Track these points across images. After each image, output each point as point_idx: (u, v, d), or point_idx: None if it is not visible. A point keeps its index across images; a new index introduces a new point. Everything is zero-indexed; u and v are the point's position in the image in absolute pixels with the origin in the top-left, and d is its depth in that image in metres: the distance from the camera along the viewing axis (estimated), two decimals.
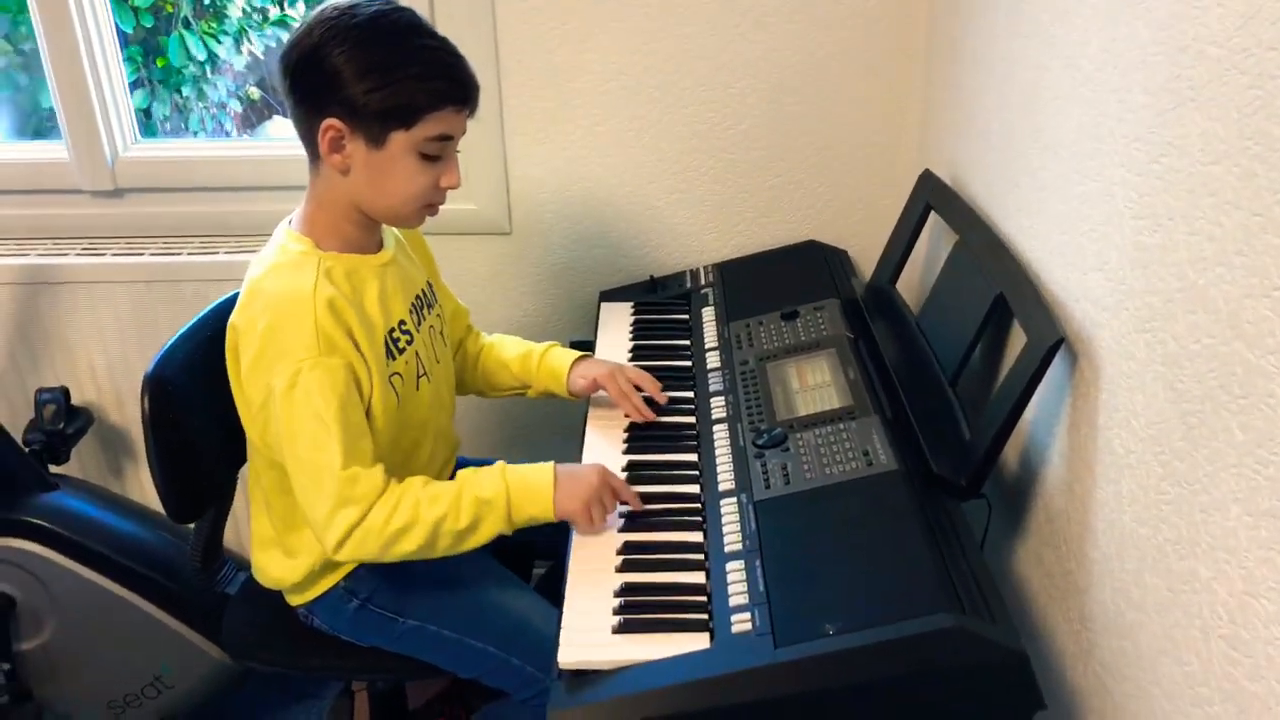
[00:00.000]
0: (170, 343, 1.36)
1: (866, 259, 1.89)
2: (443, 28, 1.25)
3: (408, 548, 1.21)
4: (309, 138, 1.21)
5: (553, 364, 1.50)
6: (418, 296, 1.38)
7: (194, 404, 1.34)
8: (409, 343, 1.33)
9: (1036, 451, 1.24)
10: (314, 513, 1.20)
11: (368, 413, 1.23)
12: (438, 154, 1.22)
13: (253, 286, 1.24)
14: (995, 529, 1.31)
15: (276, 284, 1.22)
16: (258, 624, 1.45)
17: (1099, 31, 1.06)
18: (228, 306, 1.40)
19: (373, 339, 1.24)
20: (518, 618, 1.35)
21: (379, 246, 1.33)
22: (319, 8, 1.19)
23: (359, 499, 1.18)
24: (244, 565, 1.50)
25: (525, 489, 1.23)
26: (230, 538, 1.78)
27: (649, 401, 1.46)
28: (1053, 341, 1.09)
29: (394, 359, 1.29)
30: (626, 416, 1.45)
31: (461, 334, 1.57)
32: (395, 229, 1.39)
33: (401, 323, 1.32)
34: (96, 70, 1.83)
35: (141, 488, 2.04)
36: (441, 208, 1.30)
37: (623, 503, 1.26)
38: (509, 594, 1.38)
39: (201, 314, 1.43)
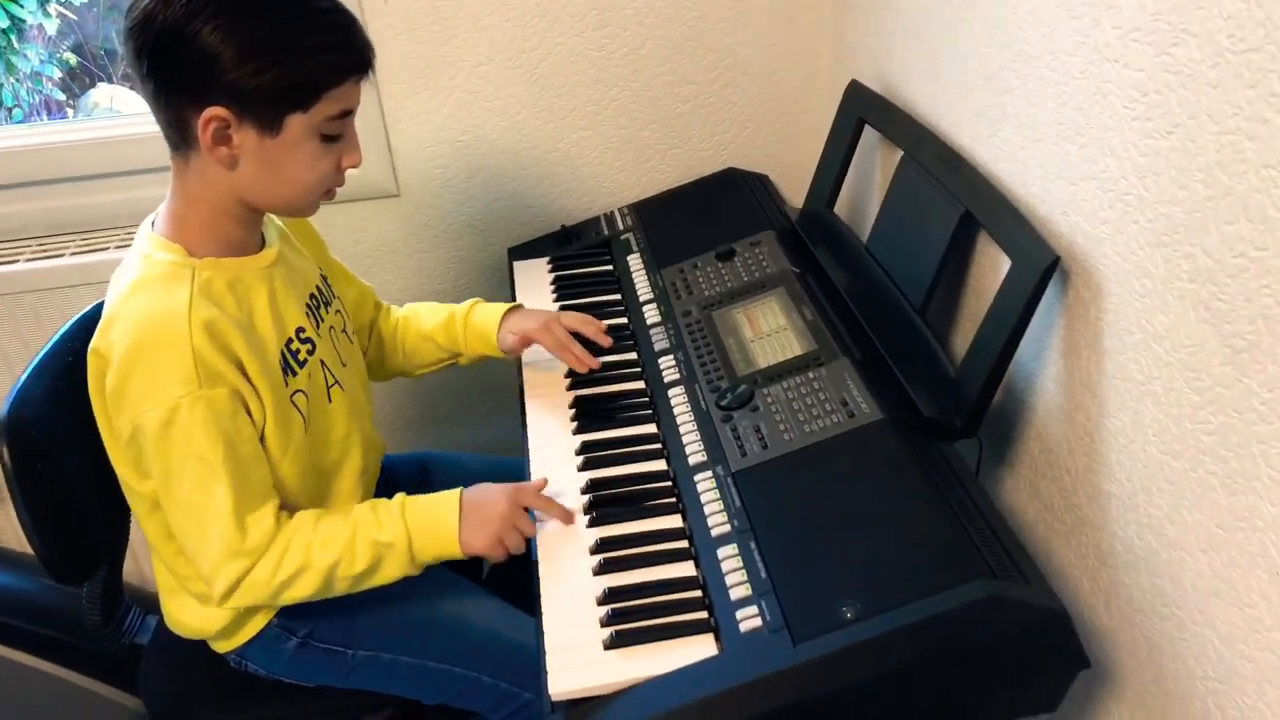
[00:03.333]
0: (25, 375, 1.15)
1: (789, 182, 1.77)
2: None
3: (300, 593, 1.07)
4: (179, 127, 1.01)
5: (479, 325, 1.34)
6: (312, 295, 1.19)
7: (64, 446, 1.14)
8: (310, 352, 1.14)
9: (1023, 378, 1.15)
10: (199, 558, 1.05)
11: (261, 441, 1.07)
12: (338, 132, 1.05)
13: (116, 306, 1.04)
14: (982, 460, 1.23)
15: (143, 303, 1.02)
16: (181, 676, 1.27)
17: None
18: (89, 325, 1.19)
19: (265, 361, 1.06)
20: (482, 630, 1.21)
21: (262, 243, 1.14)
22: None
23: (248, 551, 1.04)
24: (151, 606, 1.31)
25: (426, 529, 1.09)
26: (130, 570, 1.59)
27: (591, 348, 1.34)
28: (1047, 262, 0.99)
29: (294, 375, 1.11)
30: (568, 372, 1.32)
31: (370, 315, 1.39)
32: (276, 217, 1.20)
33: (300, 330, 1.14)
34: None
35: (14, 529, 1.80)
36: None
37: (551, 517, 1.12)
38: (467, 604, 1.24)
39: (57, 335, 1.21)
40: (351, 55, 1.03)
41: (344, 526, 1.08)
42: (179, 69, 0.98)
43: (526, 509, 1.12)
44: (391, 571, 1.09)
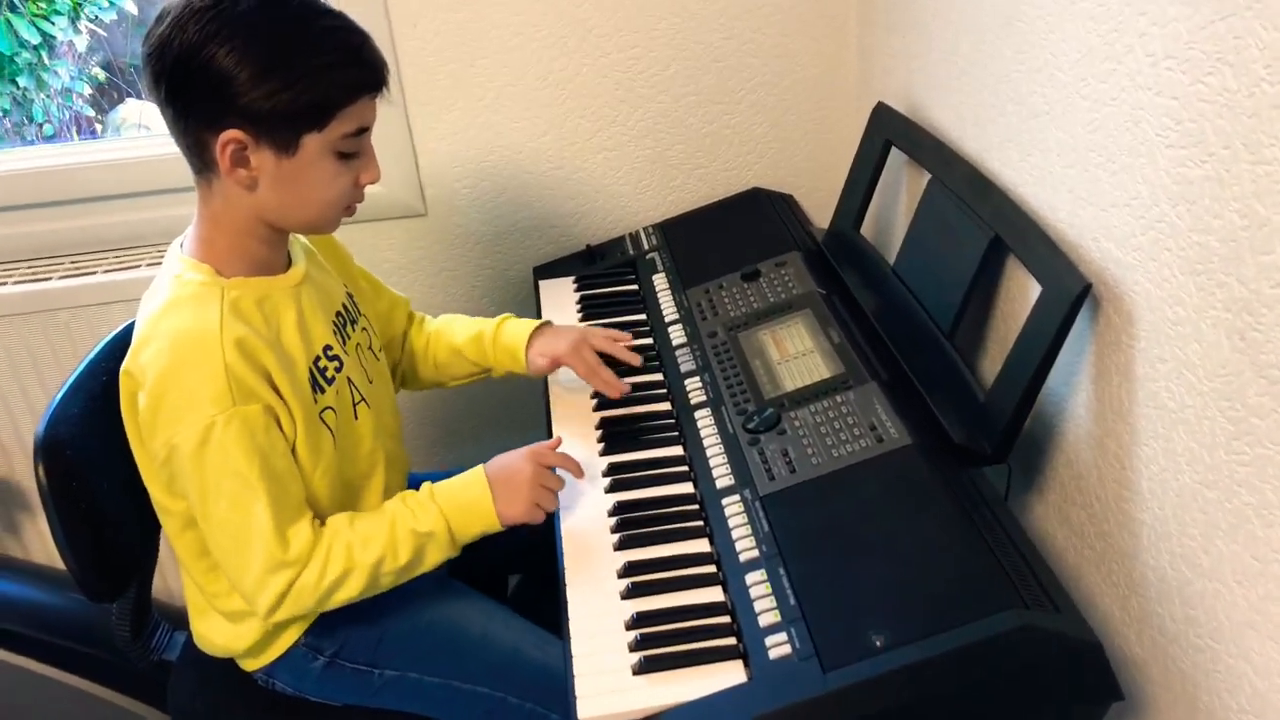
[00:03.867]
0: (60, 395, 1.16)
1: (813, 202, 1.77)
2: None
3: (347, 595, 1.09)
4: (198, 151, 1.02)
5: (507, 343, 1.34)
6: (339, 313, 1.20)
7: (99, 466, 1.15)
8: (338, 370, 1.15)
9: (1052, 403, 1.14)
10: (240, 576, 1.06)
11: (293, 455, 1.08)
12: (354, 150, 1.06)
13: (147, 327, 1.05)
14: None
15: (175, 323, 1.03)
16: (209, 693, 1.28)
17: None
18: (123, 345, 1.21)
19: (294, 378, 1.08)
20: (508, 649, 1.21)
21: (289, 262, 1.15)
22: None
23: (292, 562, 1.05)
24: (178, 622, 1.32)
25: (463, 510, 1.12)
26: (157, 586, 1.60)
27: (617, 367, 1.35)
28: (1079, 289, 0.98)
29: (322, 392, 1.12)
30: (594, 392, 1.33)
31: (403, 326, 1.40)
32: (303, 236, 1.21)
33: (327, 348, 1.15)
34: None
35: (43, 542, 1.82)
36: None
37: (567, 471, 1.17)
38: (493, 624, 1.24)
39: (91, 355, 1.22)
40: (364, 72, 1.04)
41: (381, 523, 1.10)
42: (195, 93, 0.99)
43: (549, 467, 1.15)
44: (435, 558, 1.11)
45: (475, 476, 1.14)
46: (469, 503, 1.12)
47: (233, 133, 0.99)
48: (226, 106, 0.98)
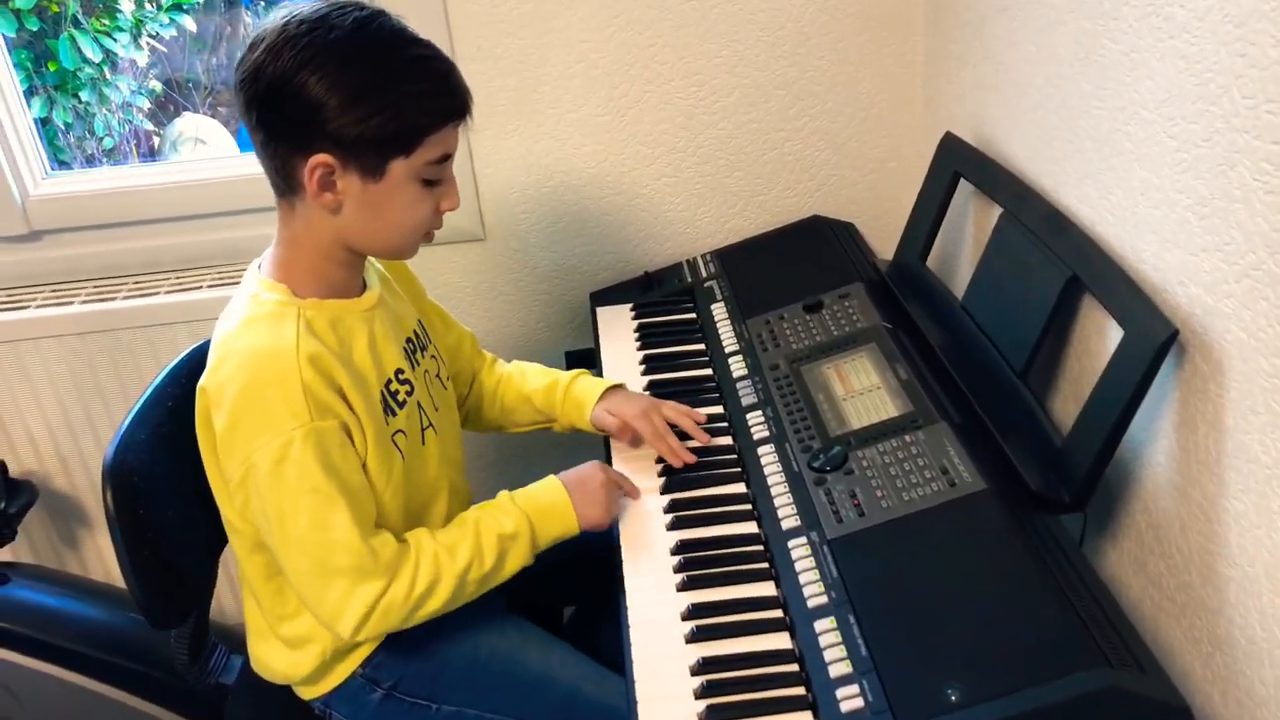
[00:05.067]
0: (127, 422, 1.17)
1: (874, 231, 1.74)
2: None
3: (434, 606, 1.09)
4: (285, 174, 1.03)
5: (578, 396, 1.33)
6: (409, 339, 1.20)
7: (166, 492, 1.15)
8: (409, 394, 1.16)
9: (1130, 449, 1.11)
10: (321, 596, 1.06)
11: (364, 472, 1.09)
12: (438, 177, 1.07)
13: (224, 345, 1.07)
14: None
15: (252, 340, 1.05)
16: None
17: None
18: (189, 369, 1.22)
19: (367, 396, 1.08)
20: (567, 687, 1.19)
21: (363, 287, 1.15)
22: (276, 21, 0.99)
23: (382, 570, 1.05)
24: (236, 645, 1.32)
25: (544, 513, 1.15)
26: (213, 609, 1.61)
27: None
28: (1165, 335, 0.95)
29: (394, 415, 1.12)
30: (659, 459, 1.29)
31: (471, 363, 1.39)
32: (378, 262, 1.21)
33: (399, 372, 1.15)
34: None
35: (101, 557, 1.84)
36: None
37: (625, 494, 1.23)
38: (552, 660, 1.22)
39: (157, 380, 1.23)
40: (452, 100, 1.05)
41: (465, 530, 1.12)
42: (287, 119, 1.00)
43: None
44: (515, 564, 1.13)
45: (551, 482, 1.18)
46: (549, 505, 1.15)
47: (321, 157, 1.00)
48: (316, 132, 0.99)
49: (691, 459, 1.26)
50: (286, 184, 1.05)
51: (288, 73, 0.98)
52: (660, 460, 1.28)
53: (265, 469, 1.01)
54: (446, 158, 1.06)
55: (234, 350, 1.05)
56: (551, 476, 1.19)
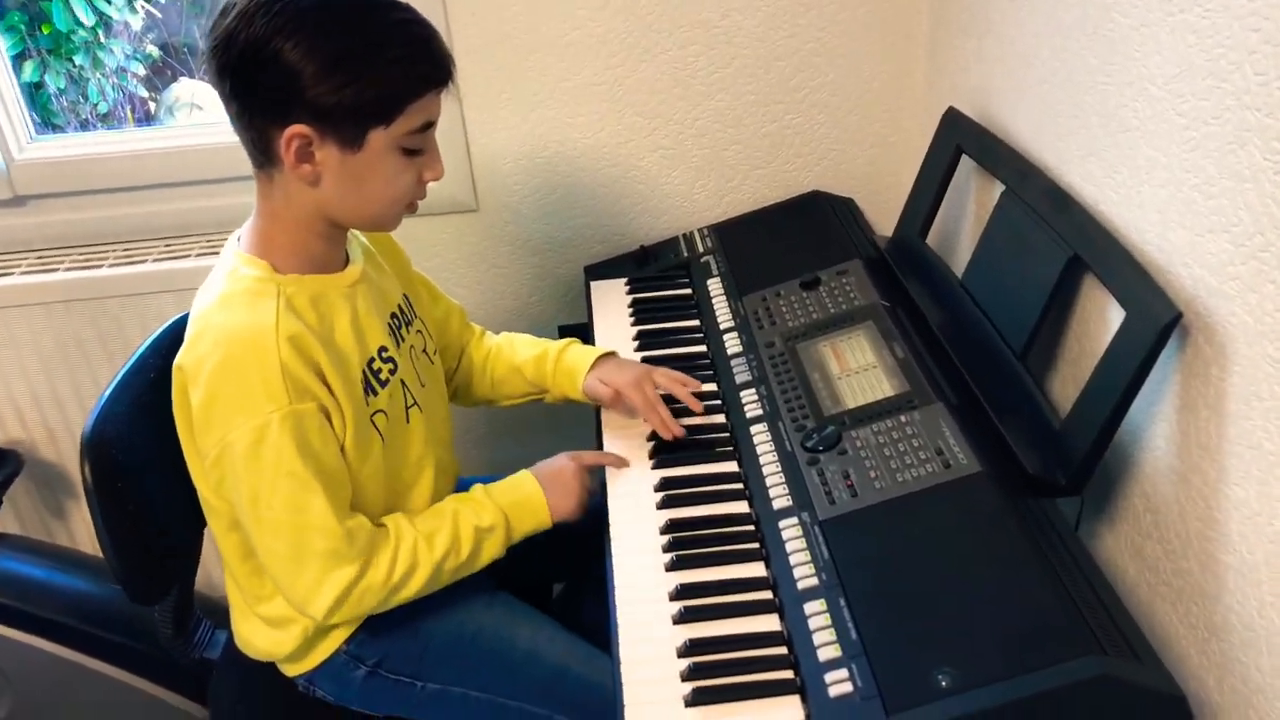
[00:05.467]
0: (108, 392, 1.14)
1: (874, 207, 1.72)
2: None
3: (409, 593, 1.09)
4: (261, 145, 1.00)
5: (570, 365, 1.31)
6: (394, 314, 1.18)
7: (146, 465, 1.13)
8: (393, 371, 1.13)
9: (1129, 431, 1.09)
10: (294, 579, 1.04)
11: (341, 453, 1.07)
12: (419, 146, 1.04)
13: (201, 320, 1.04)
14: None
15: (230, 318, 1.02)
16: (250, 697, 1.26)
17: None
18: (171, 339, 1.20)
19: (347, 377, 1.06)
20: (554, 665, 1.18)
21: (346, 261, 1.13)
22: None
23: (357, 554, 1.04)
24: (221, 618, 1.31)
25: (518, 506, 1.16)
26: (200, 580, 1.59)
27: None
28: (1168, 318, 0.93)
29: (375, 395, 1.10)
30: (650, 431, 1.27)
31: (460, 337, 1.37)
32: (361, 234, 1.18)
33: (382, 350, 1.12)
34: None
35: (87, 529, 1.81)
36: None
37: (606, 466, 1.23)
38: (540, 638, 1.20)
39: (138, 352, 1.21)
40: (432, 66, 1.02)
41: (443, 520, 1.11)
42: (261, 88, 0.97)
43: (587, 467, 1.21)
44: (487, 556, 1.14)
45: (523, 476, 1.18)
46: (523, 499, 1.15)
47: (298, 127, 0.97)
48: (292, 101, 0.96)
49: (681, 432, 1.24)
50: (263, 155, 1.01)
51: (261, 39, 0.94)
52: (653, 437, 1.26)
53: (241, 450, 0.99)
54: (428, 126, 1.03)
55: (211, 326, 1.02)
56: (524, 471, 1.19)
